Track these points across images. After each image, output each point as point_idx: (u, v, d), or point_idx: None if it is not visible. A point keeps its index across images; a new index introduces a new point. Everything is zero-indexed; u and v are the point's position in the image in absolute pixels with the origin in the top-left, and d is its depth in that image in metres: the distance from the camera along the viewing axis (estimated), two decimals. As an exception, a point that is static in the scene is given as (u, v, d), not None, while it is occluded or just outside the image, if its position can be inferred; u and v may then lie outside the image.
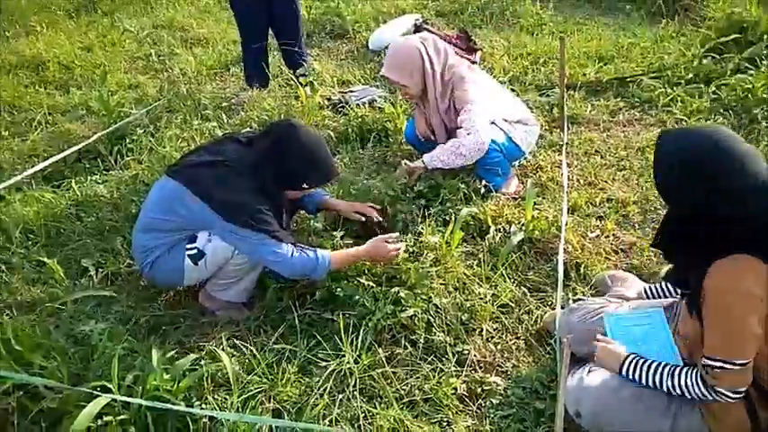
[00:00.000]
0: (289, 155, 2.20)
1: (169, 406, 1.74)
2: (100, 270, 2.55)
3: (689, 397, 1.61)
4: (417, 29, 4.68)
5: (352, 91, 4.13)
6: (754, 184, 1.43)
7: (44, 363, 1.92)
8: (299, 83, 3.87)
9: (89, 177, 3.29)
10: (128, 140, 3.55)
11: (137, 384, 1.84)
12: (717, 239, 1.46)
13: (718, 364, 1.51)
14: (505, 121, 2.81)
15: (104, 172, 3.39)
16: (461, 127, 2.66)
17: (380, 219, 2.45)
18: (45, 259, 2.46)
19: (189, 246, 2.21)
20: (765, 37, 4.05)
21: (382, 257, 2.24)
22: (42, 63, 4.93)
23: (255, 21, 3.98)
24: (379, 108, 3.72)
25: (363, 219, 2.48)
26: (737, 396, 1.54)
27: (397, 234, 2.32)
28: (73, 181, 3.18)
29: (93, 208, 2.93)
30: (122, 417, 1.75)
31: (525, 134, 2.88)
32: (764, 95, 3.48)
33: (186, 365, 1.89)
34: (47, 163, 3.24)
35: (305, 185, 2.30)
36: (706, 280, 1.47)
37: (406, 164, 2.74)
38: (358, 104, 3.79)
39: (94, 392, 1.74)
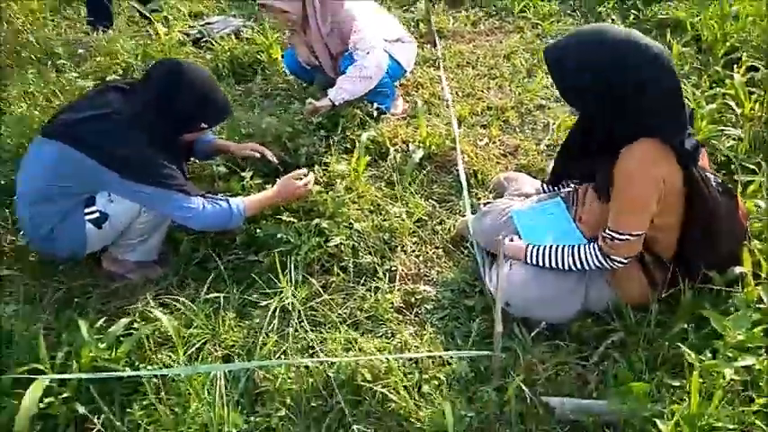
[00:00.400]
0: (180, 96, 2.06)
1: (115, 374, 1.68)
2: (-22, 251, 2.29)
3: (587, 268, 1.86)
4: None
5: (209, 23, 3.89)
6: (656, 70, 1.62)
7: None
8: (151, 18, 3.57)
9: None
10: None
11: (69, 360, 1.74)
12: (624, 129, 1.66)
13: (618, 236, 1.75)
14: (386, 40, 2.84)
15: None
16: (357, 48, 2.65)
17: (274, 157, 2.42)
18: None
19: (88, 210, 2.04)
20: None
21: (295, 195, 2.24)
22: None
23: None
24: (247, 39, 3.56)
25: (258, 156, 2.44)
26: (627, 261, 1.81)
27: (305, 170, 2.31)
28: None
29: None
30: (65, 395, 1.67)
31: (405, 52, 2.93)
32: (603, -7, 3.81)
33: (119, 331, 1.81)
34: None
35: (203, 126, 2.19)
36: (617, 165, 1.67)
37: (311, 102, 2.69)
38: (222, 37, 3.59)
39: (29, 377, 1.62)
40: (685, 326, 1.75)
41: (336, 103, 2.67)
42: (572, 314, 1.91)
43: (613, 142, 1.70)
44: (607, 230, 1.77)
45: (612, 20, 3.64)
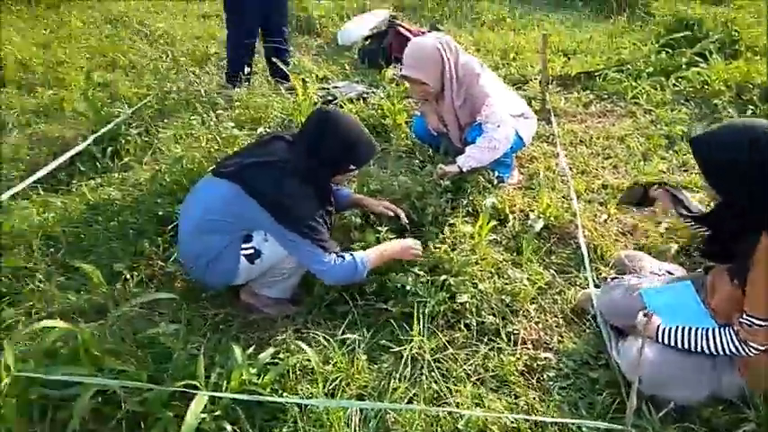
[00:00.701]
0: (331, 139, 2.28)
1: (265, 398, 1.82)
2: (134, 274, 2.54)
3: (720, 353, 1.87)
4: (390, 25, 4.82)
5: (336, 86, 4.21)
6: None
7: (122, 366, 1.93)
8: (279, 79, 3.94)
9: (89, 181, 3.22)
10: (122, 141, 3.48)
11: (221, 381, 1.90)
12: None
13: (758, 321, 1.76)
14: (512, 115, 3.00)
15: (102, 174, 3.31)
16: (488, 121, 2.82)
17: (405, 218, 2.57)
18: (83, 265, 2.42)
19: (245, 245, 2.25)
20: (710, 33, 4.49)
21: (407, 257, 2.38)
22: (-2, 61, 4.67)
23: (251, 17, 3.98)
24: (373, 104, 3.83)
25: (392, 215, 2.60)
26: (765, 349, 1.81)
27: (418, 242, 2.44)
28: (83, 185, 3.10)
29: (110, 212, 2.88)
30: (216, 413, 1.81)
31: (527, 127, 3.09)
32: (720, 87, 3.88)
33: (267, 359, 1.97)
34: (54, 165, 3.14)
35: (352, 166, 2.37)
36: (758, 248, 1.71)
37: (441, 168, 2.87)
38: (351, 100, 3.89)
39: (188, 391, 1.79)
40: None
41: (464, 170, 2.83)
42: (702, 397, 1.92)
43: (757, 226, 1.74)
44: (745, 315, 1.79)
45: (729, 113, 3.69)
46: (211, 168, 2.41)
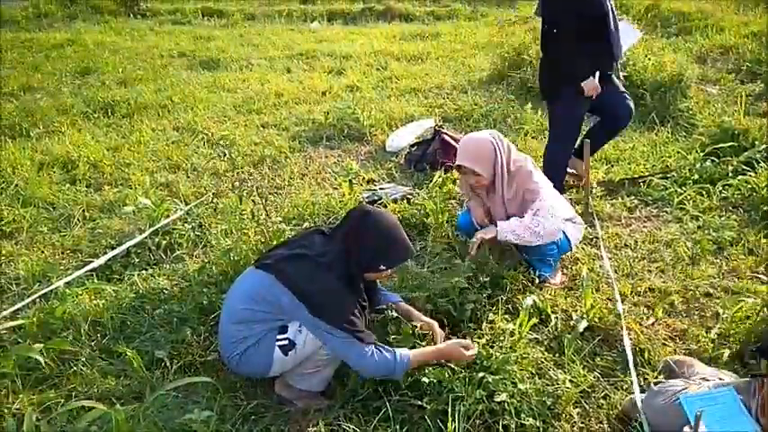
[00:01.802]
0: (366, 236, 2.31)
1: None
2: (174, 361, 2.57)
3: None
4: (436, 132, 5.03)
5: (382, 188, 4.36)
6: None
7: (152, 452, 1.92)
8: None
9: (142, 271, 3.36)
10: (176, 235, 3.66)
11: (248, 472, 1.86)
12: None
13: None
14: (562, 219, 3.03)
15: (154, 266, 3.46)
16: (538, 214, 2.86)
17: (442, 340, 2.46)
18: (126, 350, 2.48)
19: (280, 336, 2.27)
20: (756, 143, 4.49)
21: (458, 360, 2.33)
22: (71, 162, 5.06)
23: None
24: (416, 203, 3.93)
25: (428, 332, 2.50)
26: None
27: (469, 341, 2.40)
28: (135, 275, 3.23)
29: (158, 300, 2.98)
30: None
31: (575, 231, 3.09)
32: (769, 194, 3.83)
33: (297, 452, 1.92)
34: (109, 255, 3.32)
35: (382, 267, 2.36)
36: None
37: (478, 235, 2.90)
38: (395, 200, 4.01)
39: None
40: None
41: (500, 238, 2.86)
42: None
43: None
44: None
45: (780, 217, 3.61)
46: (254, 261, 2.50)
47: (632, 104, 4.09)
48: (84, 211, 4.22)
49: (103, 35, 10.19)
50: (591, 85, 3.74)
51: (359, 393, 2.39)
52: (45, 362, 2.50)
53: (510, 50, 7.26)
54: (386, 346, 2.26)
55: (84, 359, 2.56)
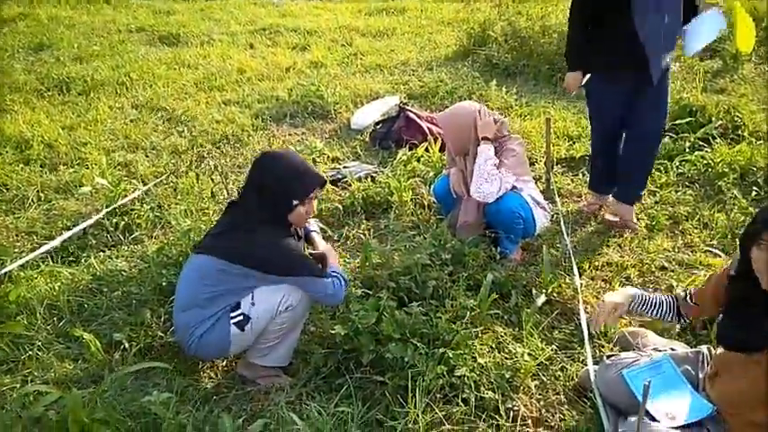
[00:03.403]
0: (268, 184, 2.28)
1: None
2: (133, 344, 2.53)
3: None
4: (401, 110, 5.01)
5: (346, 166, 4.33)
6: None
7: (111, 436, 1.90)
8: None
9: (99, 253, 3.29)
10: (134, 215, 3.58)
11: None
12: None
13: None
14: (533, 200, 3.07)
15: (112, 247, 3.39)
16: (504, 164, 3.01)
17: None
18: (83, 334, 2.43)
19: (233, 314, 2.26)
20: (713, 119, 4.59)
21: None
22: (25, 142, 4.89)
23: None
24: (380, 182, 3.92)
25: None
26: None
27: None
28: (92, 257, 3.16)
29: (116, 282, 2.93)
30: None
31: (542, 217, 3.13)
32: (723, 169, 3.92)
33: (258, 430, 1.92)
34: (65, 236, 3.23)
35: (295, 202, 2.30)
36: None
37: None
38: (359, 178, 3.99)
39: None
40: None
41: (472, 195, 3.01)
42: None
43: None
44: None
45: (734, 195, 3.71)
46: (192, 248, 2.46)
47: (660, 124, 3.35)
48: (38, 192, 4.10)
49: (58, 9, 9.81)
50: (570, 79, 3.32)
51: (321, 371, 2.39)
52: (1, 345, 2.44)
53: (476, 27, 7.25)
54: (330, 272, 2.37)
55: (39, 343, 2.50)
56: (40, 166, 4.58)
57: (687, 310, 2.21)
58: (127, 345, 2.52)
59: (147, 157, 4.72)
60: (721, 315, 1.98)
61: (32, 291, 2.83)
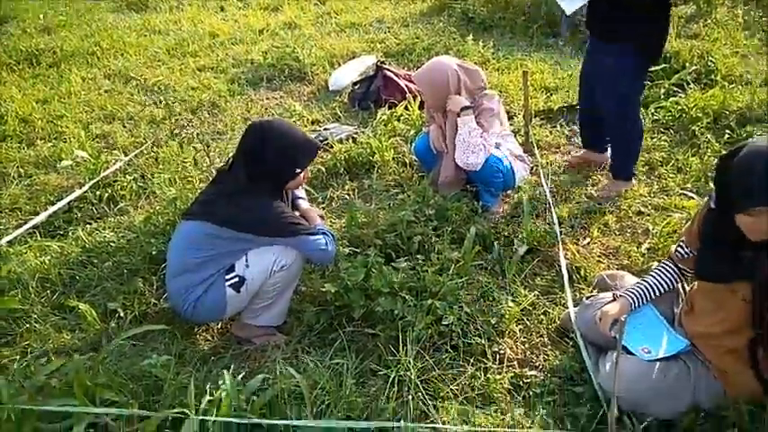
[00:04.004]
0: (268, 153, 2.32)
1: (254, 421, 1.86)
2: (128, 312, 2.59)
3: None
4: (378, 69, 5.00)
5: (327, 128, 4.35)
6: None
7: (114, 398, 1.97)
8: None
9: (86, 226, 3.31)
10: (118, 187, 3.59)
11: (211, 408, 1.93)
12: None
13: None
14: (512, 154, 3.12)
15: (98, 220, 3.41)
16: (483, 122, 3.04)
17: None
18: (78, 304, 2.48)
19: (228, 276, 2.32)
20: (687, 65, 4.66)
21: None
22: (-1, 117, 4.83)
23: None
24: (362, 143, 3.95)
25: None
26: None
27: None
28: (79, 230, 3.18)
29: (105, 254, 2.97)
30: (206, 439, 1.84)
31: (522, 170, 3.20)
32: (697, 114, 4.01)
33: (257, 385, 2.01)
34: (50, 211, 3.25)
35: (297, 170, 2.41)
36: None
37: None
38: (341, 140, 4.01)
39: (179, 416, 1.83)
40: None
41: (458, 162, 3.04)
42: (681, 409, 1.94)
43: None
44: None
45: (707, 138, 3.80)
46: (182, 214, 2.50)
47: (610, 102, 3.20)
48: (18, 167, 4.07)
49: (19, -22, 9.48)
50: None
51: (314, 328, 2.48)
52: (-5, 321, 2.49)
53: (450, -20, 7.17)
54: (317, 228, 2.45)
55: (36, 316, 2.55)
56: (18, 142, 4.52)
57: (688, 264, 2.14)
58: (122, 313, 2.58)
59: (125, 127, 4.69)
60: (698, 250, 2.04)
61: (23, 266, 2.85)
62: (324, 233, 2.42)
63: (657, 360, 1.99)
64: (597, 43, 3.19)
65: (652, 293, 2.17)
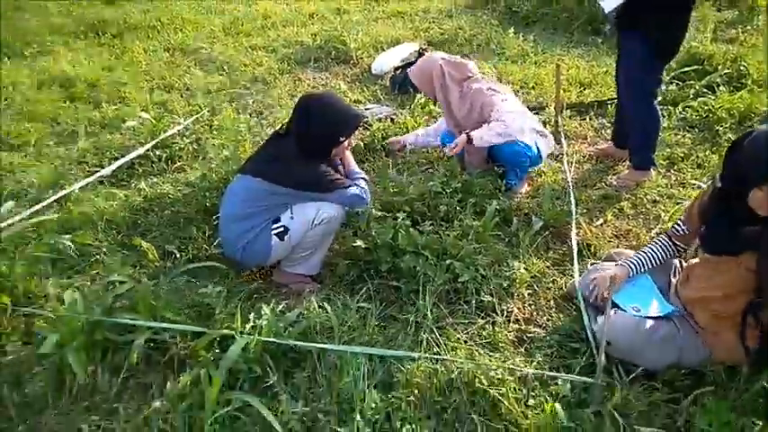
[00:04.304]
0: (314, 123, 2.65)
1: (290, 342, 2.18)
2: (182, 254, 2.94)
3: None
4: (420, 55, 5.26)
5: (368, 108, 4.64)
6: None
7: (173, 317, 2.31)
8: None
9: (147, 180, 3.68)
10: (176, 148, 3.96)
11: (253, 333, 2.26)
12: None
13: None
14: (535, 131, 3.37)
15: (157, 175, 3.77)
16: (499, 117, 3.26)
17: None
18: (141, 242, 2.84)
19: (274, 226, 2.65)
20: (719, 67, 4.79)
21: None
22: (69, 81, 5.26)
23: None
24: (400, 122, 4.23)
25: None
26: None
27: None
28: (141, 182, 3.56)
29: (164, 203, 3.33)
30: (249, 357, 2.16)
31: (546, 145, 3.44)
32: (723, 115, 4.16)
33: (293, 318, 2.33)
34: (118, 164, 3.64)
35: (342, 138, 2.74)
36: None
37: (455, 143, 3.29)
38: (379, 119, 4.30)
39: (227, 335, 2.16)
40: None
41: (475, 143, 3.23)
42: (666, 363, 2.19)
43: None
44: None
45: (729, 138, 3.95)
46: (237, 169, 2.83)
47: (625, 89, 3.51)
48: (86, 126, 4.48)
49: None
50: None
51: (344, 279, 2.79)
52: (70, 252, 2.86)
53: (496, -25, 7.35)
54: (355, 182, 2.82)
55: (104, 250, 2.92)
56: (85, 104, 4.95)
57: (683, 240, 2.40)
58: (178, 254, 2.93)
59: (182, 96, 5.07)
60: (704, 227, 2.22)
61: (92, 208, 3.23)
62: (359, 183, 2.78)
63: (647, 318, 2.23)
64: (621, 34, 3.43)
65: (649, 264, 2.41)
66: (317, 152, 2.69)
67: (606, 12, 3.29)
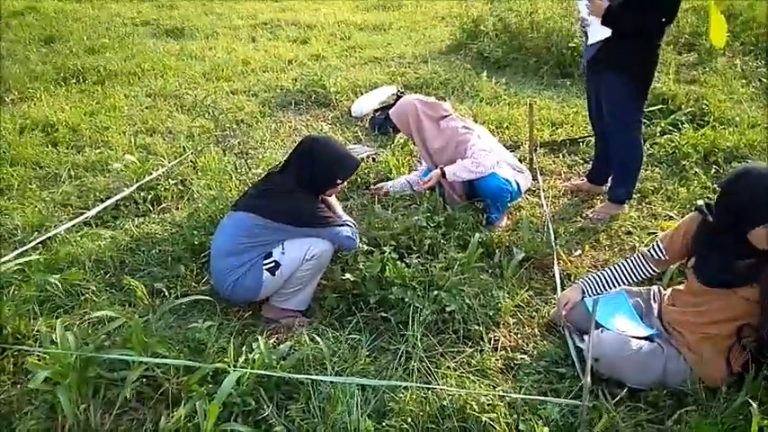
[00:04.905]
0: (316, 164, 2.79)
1: (284, 375, 2.21)
2: (171, 292, 2.96)
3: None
4: (398, 98, 5.44)
5: (351, 148, 4.75)
6: None
7: (165, 353, 2.33)
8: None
9: (132, 221, 3.71)
10: (161, 189, 4.01)
11: (246, 365, 2.28)
12: None
13: None
14: (513, 167, 3.51)
15: (143, 216, 3.81)
16: (473, 153, 3.38)
17: None
18: (130, 281, 2.86)
19: (266, 261, 2.71)
20: (683, 106, 5.06)
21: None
22: (51, 125, 5.29)
23: None
24: (380, 161, 4.35)
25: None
26: None
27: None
28: (127, 222, 3.59)
29: (152, 243, 3.35)
30: (242, 390, 2.19)
31: (524, 181, 3.59)
32: (688, 150, 4.38)
33: (285, 351, 2.36)
34: (104, 205, 3.67)
35: (339, 180, 2.89)
36: None
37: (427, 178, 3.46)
38: (362, 158, 4.42)
39: (220, 369, 2.18)
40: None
41: (448, 178, 3.37)
42: (651, 380, 2.27)
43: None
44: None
45: (695, 172, 4.16)
46: (231, 206, 2.91)
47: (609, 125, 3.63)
48: (69, 170, 4.50)
49: (63, 3, 10.16)
50: None
51: (334, 312, 2.84)
52: (58, 293, 2.86)
53: (468, 22, 7.66)
54: (345, 222, 2.89)
55: (93, 289, 2.92)
56: (67, 148, 4.98)
57: (657, 264, 2.53)
58: (167, 292, 2.95)
59: (164, 140, 5.13)
60: (695, 259, 2.33)
61: (79, 249, 3.24)
62: (349, 224, 2.81)
63: (632, 337, 2.32)
64: (597, 74, 3.56)
65: (611, 283, 2.56)
66: (311, 190, 2.80)
67: (591, 43, 3.43)
